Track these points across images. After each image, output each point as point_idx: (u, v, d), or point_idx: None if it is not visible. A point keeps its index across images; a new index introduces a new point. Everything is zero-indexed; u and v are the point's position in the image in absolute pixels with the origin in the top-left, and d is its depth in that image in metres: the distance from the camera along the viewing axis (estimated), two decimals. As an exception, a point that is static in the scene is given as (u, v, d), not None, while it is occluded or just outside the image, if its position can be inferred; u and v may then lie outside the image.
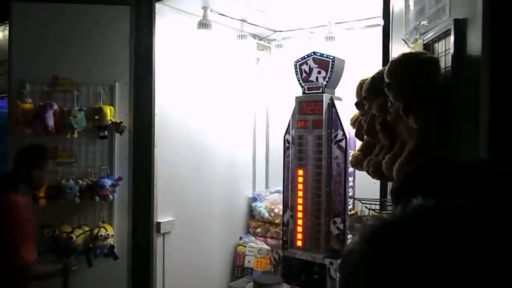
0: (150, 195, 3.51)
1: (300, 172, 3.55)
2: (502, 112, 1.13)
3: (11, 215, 2.38)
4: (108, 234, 3.36)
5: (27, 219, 2.45)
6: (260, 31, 4.48)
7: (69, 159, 3.35)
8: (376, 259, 0.47)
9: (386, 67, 1.48)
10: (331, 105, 3.44)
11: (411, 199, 0.51)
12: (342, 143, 3.36)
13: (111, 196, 3.35)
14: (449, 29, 1.33)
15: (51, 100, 3.24)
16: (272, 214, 4.33)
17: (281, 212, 3.98)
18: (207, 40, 3.88)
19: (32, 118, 3.14)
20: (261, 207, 4.40)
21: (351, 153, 3.23)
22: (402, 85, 1.40)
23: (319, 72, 3.49)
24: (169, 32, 3.62)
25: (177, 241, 3.70)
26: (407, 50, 1.77)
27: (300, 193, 3.55)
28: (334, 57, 3.45)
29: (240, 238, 4.39)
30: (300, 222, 3.56)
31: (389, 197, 2.37)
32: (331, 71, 3.44)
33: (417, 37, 1.70)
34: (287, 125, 3.67)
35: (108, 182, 3.32)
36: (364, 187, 3.03)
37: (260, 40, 4.63)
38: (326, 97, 3.44)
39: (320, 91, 3.48)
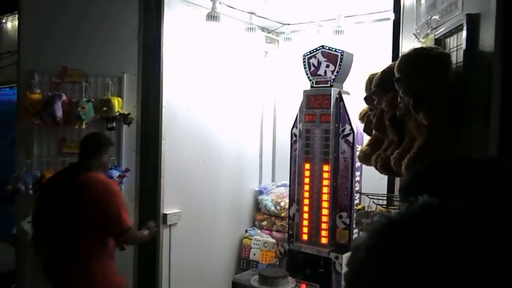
0: (157, 187, 3.52)
1: (307, 166, 3.55)
2: (513, 109, 1.12)
3: (110, 186, 2.70)
4: (115, 225, 3.37)
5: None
6: (269, 24, 4.46)
7: (77, 149, 3.35)
8: (382, 255, 0.48)
9: (397, 62, 1.46)
10: (339, 99, 3.43)
11: (418, 197, 0.52)
12: (350, 138, 3.35)
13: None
14: (461, 24, 1.32)
15: (60, 90, 3.25)
16: (278, 207, 4.34)
17: (287, 206, 3.98)
18: (215, 33, 3.87)
19: (40, 109, 3.15)
20: (267, 200, 4.41)
21: (358, 147, 3.23)
22: (412, 80, 1.39)
23: (327, 66, 3.47)
24: (178, 24, 3.62)
25: (183, 232, 3.72)
26: (418, 45, 1.75)
27: (307, 187, 3.55)
28: (343, 51, 3.44)
29: (246, 231, 4.41)
30: (306, 216, 3.56)
31: (396, 192, 2.37)
32: (339, 65, 3.42)
33: (428, 31, 1.68)
34: (294, 119, 3.66)
35: (115, 174, 3.32)
36: (371, 182, 3.02)
37: (268, 33, 4.61)
38: (334, 91, 3.43)
39: (328, 85, 3.47)
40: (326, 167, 3.45)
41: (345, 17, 3.96)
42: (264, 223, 4.44)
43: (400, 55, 1.65)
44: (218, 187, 4.12)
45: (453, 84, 1.37)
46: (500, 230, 0.45)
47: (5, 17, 6.26)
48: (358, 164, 3.34)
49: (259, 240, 4.29)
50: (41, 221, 2.72)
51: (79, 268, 2.57)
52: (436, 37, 1.57)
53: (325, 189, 3.45)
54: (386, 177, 2.52)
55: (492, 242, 0.44)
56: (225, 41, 4.07)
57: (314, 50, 3.54)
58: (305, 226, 3.57)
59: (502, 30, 1.13)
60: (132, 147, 3.51)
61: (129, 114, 3.39)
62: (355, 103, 3.19)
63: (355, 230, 3.35)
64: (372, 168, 1.99)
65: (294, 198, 3.64)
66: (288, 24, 4.47)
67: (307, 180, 3.55)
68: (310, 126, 3.53)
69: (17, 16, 3.53)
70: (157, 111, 3.50)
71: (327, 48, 3.49)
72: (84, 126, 3.26)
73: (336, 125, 3.42)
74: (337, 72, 3.43)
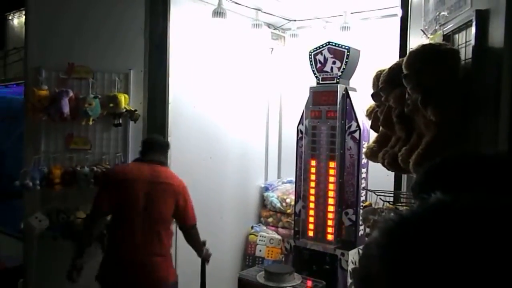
0: (163, 183, 3.52)
1: (313, 162, 3.55)
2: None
3: (183, 182, 2.92)
4: (122, 221, 3.39)
5: None
6: (275, 20, 4.45)
7: (84, 146, 3.38)
8: (394, 253, 0.48)
9: (405, 58, 1.46)
10: (346, 95, 3.42)
11: (431, 194, 0.52)
12: (356, 134, 3.34)
13: (125, 183, 3.37)
14: (471, 20, 1.31)
15: (67, 87, 3.26)
16: (284, 204, 4.34)
17: (293, 202, 3.98)
18: (222, 29, 3.87)
19: (47, 105, 3.16)
20: (273, 197, 4.41)
21: (365, 144, 3.22)
22: (420, 77, 1.38)
23: (334, 62, 3.46)
24: (184, 20, 3.62)
25: (189, 229, 3.72)
26: (426, 41, 1.75)
27: (313, 184, 3.55)
28: (349, 47, 3.42)
29: (252, 227, 4.41)
30: (312, 212, 3.56)
31: (403, 189, 2.36)
32: (346, 62, 3.41)
33: (436, 28, 1.67)
34: (300, 115, 3.66)
35: (122, 170, 3.33)
36: (377, 179, 3.01)
37: (274, 29, 4.60)
38: (340, 88, 3.42)
39: (335, 81, 3.46)
40: (332, 164, 3.44)
41: (351, 13, 3.95)
42: (270, 219, 4.45)
43: (408, 51, 1.64)
44: (224, 184, 4.13)
45: (461, 80, 1.36)
46: None
47: (12, 14, 6.30)
48: (364, 161, 3.33)
49: (265, 237, 4.30)
50: (116, 208, 2.79)
51: (163, 254, 2.81)
52: (444, 33, 1.56)
53: (331, 186, 3.45)
54: (392, 174, 2.52)
55: (507, 238, 0.43)
56: (231, 38, 4.07)
57: (321, 47, 3.53)
58: (311, 222, 3.57)
59: (512, 26, 1.12)
60: (138, 143, 3.51)
61: (135, 110, 3.40)
62: (362, 99, 3.19)
63: (361, 227, 3.35)
64: (378, 165, 1.98)
65: (300, 194, 3.64)
66: (295, 21, 4.46)
67: (313, 177, 3.55)
68: (316, 123, 3.52)
69: (23, 12, 3.54)
70: (164, 108, 3.52)
71: (333, 44, 3.47)
72: (91, 122, 3.27)
73: (342, 122, 3.41)
74: (343, 68, 3.42)
